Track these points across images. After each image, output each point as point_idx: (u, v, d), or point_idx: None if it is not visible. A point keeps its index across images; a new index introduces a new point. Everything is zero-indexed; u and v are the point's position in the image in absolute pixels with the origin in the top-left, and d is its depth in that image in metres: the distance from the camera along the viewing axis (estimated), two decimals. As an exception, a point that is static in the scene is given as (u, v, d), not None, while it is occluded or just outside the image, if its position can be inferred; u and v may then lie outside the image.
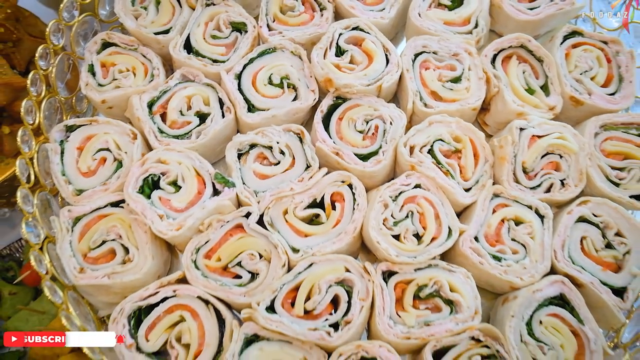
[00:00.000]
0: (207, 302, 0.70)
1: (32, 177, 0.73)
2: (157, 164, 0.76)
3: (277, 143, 0.78)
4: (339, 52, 0.83)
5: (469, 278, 0.71)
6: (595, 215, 0.74)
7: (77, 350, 0.93)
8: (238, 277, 0.72)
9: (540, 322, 0.69)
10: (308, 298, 0.70)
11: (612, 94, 0.82)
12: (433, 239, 0.73)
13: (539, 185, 0.76)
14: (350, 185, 0.76)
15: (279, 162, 0.78)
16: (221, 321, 0.70)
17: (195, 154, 0.77)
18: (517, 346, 0.68)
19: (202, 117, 0.81)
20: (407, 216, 0.74)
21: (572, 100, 0.81)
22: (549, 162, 0.77)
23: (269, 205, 0.75)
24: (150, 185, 0.75)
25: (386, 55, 0.83)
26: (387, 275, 0.72)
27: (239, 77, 0.83)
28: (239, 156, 0.79)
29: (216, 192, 0.76)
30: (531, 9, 0.87)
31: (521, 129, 0.77)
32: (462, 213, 0.78)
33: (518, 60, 0.84)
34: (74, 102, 0.86)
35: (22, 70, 0.90)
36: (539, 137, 0.77)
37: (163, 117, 0.81)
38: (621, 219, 0.74)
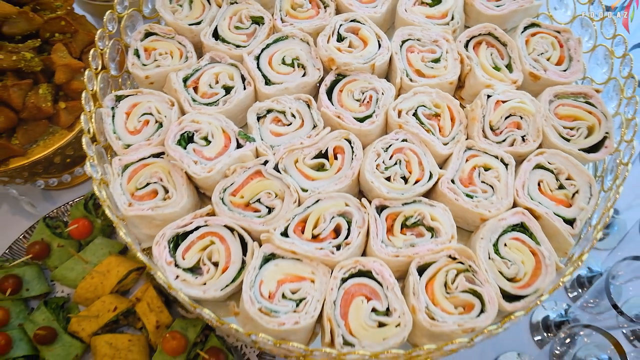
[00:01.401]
0: (232, 229, 0.86)
1: (91, 131, 0.90)
2: (191, 123, 0.92)
3: (289, 108, 0.95)
4: (340, 39, 1.01)
5: (446, 211, 0.87)
6: (549, 163, 0.90)
7: (116, 292, 1.08)
8: (257, 211, 0.88)
9: (505, 245, 0.84)
10: (315, 227, 0.86)
11: (564, 71, 1.00)
12: (417, 181, 0.89)
13: (503, 140, 0.93)
14: (349, 140, 0.93)
15: (290, 124, 0.95)
16: (244, 245, 0.86)
17: (222, 116, 0.94)
18: (486, 262, 0.83)
19: (227, 90, 0.98)
20: (395, 163, 0.90)
21: (531, 75, 0.98)
22: (512, 122, 0.94)
23: (282, 156, 0.91)
24: (185, 140, 0.91)
25: (378, 41, 1.01)
26: (380, 209, 0.88)
27: (257, 58, 1.01)
28: (258, 119, 0.96)
29: (239, 146, 0.93)
30: (498, 6, 1.06)
31: (488, 96, 0.94)
32: (442, 165, 0.94)
33: (486, 45, 1.02)
34: (120, 81, 1.04)
35: (77, 57, 1.08)
36: (503, 102, 0.94)
37: (195, 90, 0.99)
38: (571, 166, 0.90)
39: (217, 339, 1.00)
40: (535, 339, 1.14)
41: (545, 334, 1.13)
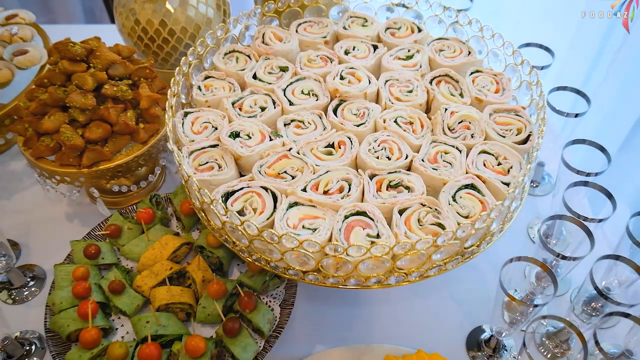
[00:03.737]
0: (266, 189, 1.21)
1: (170, 131, 1.29)
2: (238, 125, 1.32)
3: (307, 118, 1.35)
4: (342, 78, 1.45)
5: (418, 177, 1.22)
6: (491, 149, 1.27)
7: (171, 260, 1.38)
8: (284, 179, 1.23)
9: (460, 197, 1.18)
10: (325, 187, 1.21)
11: (500, 97, 1.41)
12: (397, 159, 1.25)
13: (458, 137, 1.31)
14: (349, 137, 1.31)
15: (308, 127, 1.34)
16: (275, 199, 1.20)
17: (259, 122, 1.34)
18: (447, 206, 1.16)
19: (262, 109, 1.39)
20: (382, 149, 1.27)
21: (477, 99, 1.39)
22: (463, 125, 1.32)
23: (302, 145, 1.29)
24: (234, 135, 1.30)
25: (369, 79, 1.45)
26: (371, 176, 1.23)
27: (284, 90, 1.43)
28: (285, 125, 1.36)
29: (271, 140, 1.31)
30: (451, 59, 1.51)
31: (446, 109, 1.35)
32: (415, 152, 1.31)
33: (444, 82, 1.45)
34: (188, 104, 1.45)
35: (155, 92, 1.51)
36: (456, 111, 1.34)
37: (240, 109, 1.40)
38: (506, 151, 1.26)
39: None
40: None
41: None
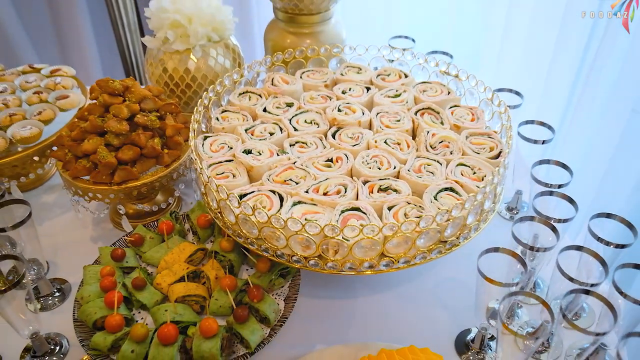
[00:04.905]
0: (274, 191, 1.40)
1: (193, 150, 1.51)
2: (250, 145, 1.54)
3: (309, 140, 1.58)
4: (339, 110, 1.69)
5: (405, 183, 1.41)
6: (467, 162, 1.48)
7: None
8: (289, 185, 1.43)
9: (441, 197, 1.37)
10: (324, 190, 1.40)
11: (475, 124, 1.64)
12: (387, 169, 1.46)
13: (439, 153, 1.53)
14: (345, 154, 1.52)
15: (310, 147, 1.56)
16: (281, 200, 1.39)
17: (268, 142, 1.56)
18: (429, 204, 1.35)
19: (271, 134, 1.62)
20: (374, 162, 1.48)
21: (455, 126, 1.62)
22: (443, 144, 1.54)
23: (305, 160, 1.50)
24: (246, 152, 1.51)
25: (363, 111, 1.69)
26: (364, 182, 1.43)
27: (289, 120, 1.67)
28: (290, 145, 1.58)
29: (279, 156, 1.53)
30: (432, 97, 1.76)
31: (428, 132, 1.57)
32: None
33: (427, 113, 1.69)
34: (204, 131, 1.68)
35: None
36: (437, 134, 1.57)
37: (252, 135, 1.63)
38: (480, 163, 1.46)
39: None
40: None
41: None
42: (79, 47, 3.30)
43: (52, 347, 1.43)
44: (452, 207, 1.24)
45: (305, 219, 1.27)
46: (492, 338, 1.41)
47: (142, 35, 3.26)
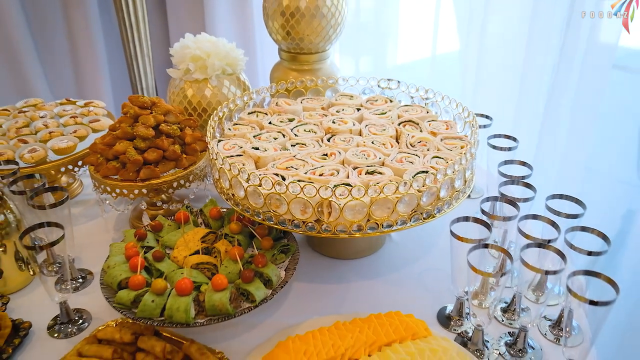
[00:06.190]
0: (277, 174, 1.66)
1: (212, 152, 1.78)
2: (257, 144, 1.82)
3: (308, 141, 1.86)
4: (333, 122, 1.99)
5: (389, 168, 1.67)
6: (441, 155, 1.75)
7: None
8: (290, 169, 1.69)
9: (419, 177, 1.62)
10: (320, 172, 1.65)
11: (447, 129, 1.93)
12: (373, 159, 1.72)
13: (417, 150, 1.80)
14: (338, 151, 1.80)
15: (308, 147, 1.84)
16: (283, 180, 1.64)
17: (273, 143, 1.84)
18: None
19: (275, 139, 1.90)
20: (363, 155, 1.75)
21: (432, 133, 1.91)
22: (422, 144, 1.82)
23: (304, 155, 1.77)
24: (254, 149, 1.79)
25: (353, 123, 1.99)
26: (354, 168, 1.68)
27: (291, 129, 1.96)
28: (291, 146, 1.85)
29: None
30: (415, 115, 2.06)
31: (408, 134, 1.86)
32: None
33: (409, 125, 1.98)
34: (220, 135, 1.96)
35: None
36: (416, 135, 1.85)
37: (259, 139, 1.91)
38: (453, 156, 1.74)
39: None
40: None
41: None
42: (93, 85, 3.53)
43: (76, 318, 1.62)
44: (426, 176, 1.49)
45: (304, 182, 1.52)
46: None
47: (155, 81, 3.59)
